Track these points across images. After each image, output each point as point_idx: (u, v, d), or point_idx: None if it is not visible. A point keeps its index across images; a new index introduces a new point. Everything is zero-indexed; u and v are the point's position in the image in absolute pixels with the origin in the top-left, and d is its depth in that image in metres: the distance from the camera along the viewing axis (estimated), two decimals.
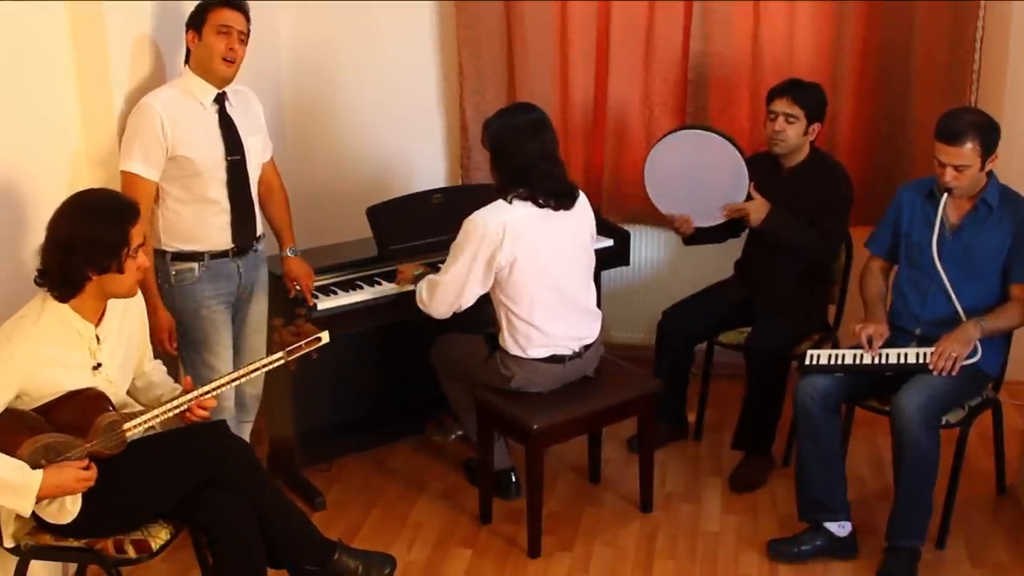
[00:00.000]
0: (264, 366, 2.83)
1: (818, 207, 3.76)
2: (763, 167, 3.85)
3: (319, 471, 3.93)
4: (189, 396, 2.75)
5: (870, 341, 3.34)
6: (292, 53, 4.59)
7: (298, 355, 2.86)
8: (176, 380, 3.01)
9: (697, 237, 3.96)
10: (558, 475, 3.92)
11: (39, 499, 2.56)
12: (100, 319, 2.73)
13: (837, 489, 3.35)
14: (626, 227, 4.22)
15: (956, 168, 3.20)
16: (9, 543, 2.73)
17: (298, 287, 3.53)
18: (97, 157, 3.24)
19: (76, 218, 2.61)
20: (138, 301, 2.87)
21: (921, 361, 3.24)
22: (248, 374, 2.82)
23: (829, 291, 3.97)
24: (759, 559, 3.40)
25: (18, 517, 2.70)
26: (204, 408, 2.79)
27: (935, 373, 3.20)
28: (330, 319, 3.45)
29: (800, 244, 3.77)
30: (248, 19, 3.26)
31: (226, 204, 3.29)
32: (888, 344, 3.36)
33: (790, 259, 3.83)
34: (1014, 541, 3.47)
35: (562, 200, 3.34)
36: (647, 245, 4.60)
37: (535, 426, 3.32)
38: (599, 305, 3.59)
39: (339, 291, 3.63)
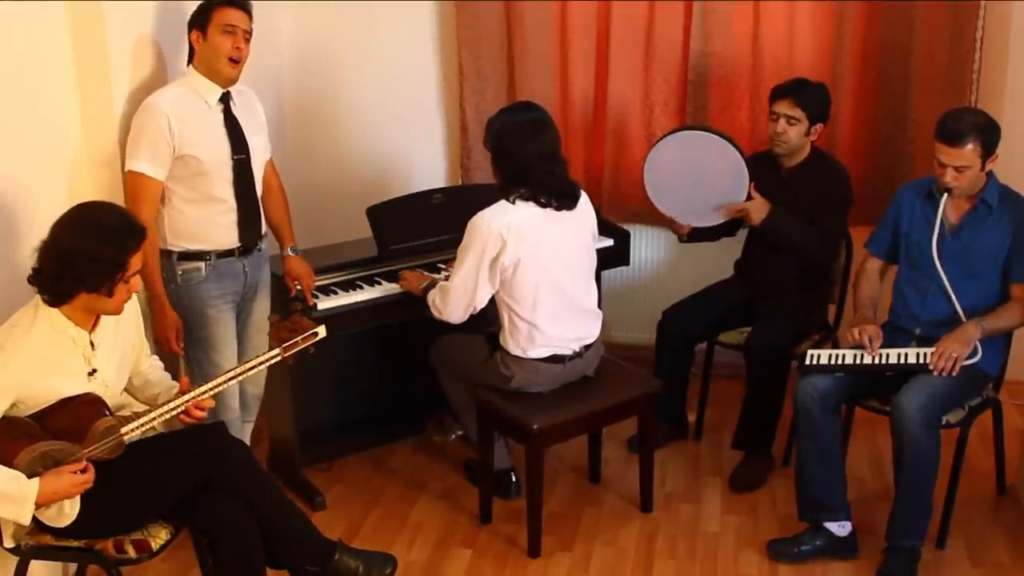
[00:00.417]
0: (261, 363, 2.83)
1: (818, 207, 3.76)
2: (763, 167, 3.85)
3: (319, 471, 3.94)
4: (186, 397, 2.74)
5: (870, 341, 3.34)
6: (293, 53, 4.59)
7: (295, 351, 2.86)
8: (175, 378, 3.01)
9: (693, 236, 3.96)
10: (558, 475, 3.92)
11: (37, 506, 2.54)
12: (94, 325, 2.72)
13: (837, 489, 3.35)
14: (626, 227, 4.22)
15: (956, 169, 3.20)
16: (9, 543, 2.73)
17: (299, 286, 3.53)
18: (97, 158, 3.23)
19: (82, 230, 2.58)
20: (132, 303, 2.86)
21: (921, 361, 3.24)
22: (245, 371, 2.82)
23: (829, 291, 3.97)
24: (759, 559, 3.40)
25: None
26: (201, 408, 2.78)
27: (935, 373, 3.20)
28: (330, 319, 3.44)
29: (801, 243, 3.77)
30: (251, 17, 3.26)
31: (232, 203, 3.30)
32: (888, 344, 3.36)
33: (790, 259, 3.83)
34: (1014, 541, 3.47)
35: (564, 200, 3.34)
36: (647, 245, 4.60)
37: (535, 426, 3.32)
38: (600, 305, 3.59)
39: (339, 291, 3.63)
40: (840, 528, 3.35)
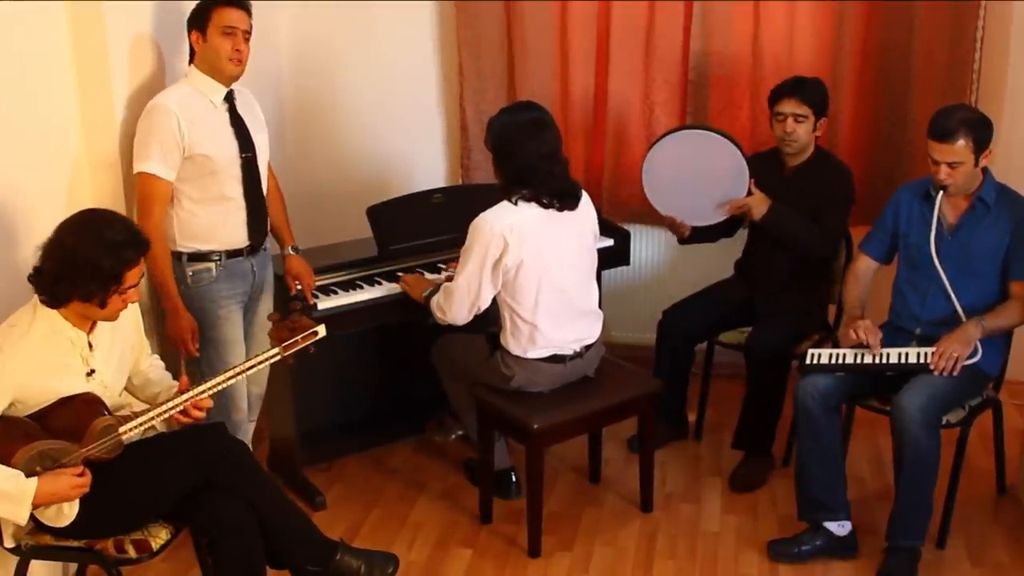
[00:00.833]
0: (261, 362, 2.82)
1: (821, 205, 3.76)
2: (767, 166, 3.85)
3: (319, 471, 3.93)
4: (184, 396, 2.74)
5: (871, 335, 3.33)
6: (292, 53, 4.59)
7: (295, 350, 2.86)
8: (176, 377, 3.01)
9: (693, 237, 3.96)
10: (558, 475, 3.92)
11: (35, 507, 2.55)
12: (92, 326, 2.72)
13: (837, 489, 3.35)
14: (626, 227, 4.22)
15: (950, 165, 3.21)
16: (9, 543, 2.73)
17: (299, 285, 3.53)
18: (97, 158, 3.23)
19: (83, 237, 2.57)
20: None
21: (922, 361, 3.24)
22: (245, 370, 2.81)
23: (829, 291, 3.97)
24: (759, 559, 3.40)
25: None
26: (200, 409, 2.77)
27: (936, 373, 3.20)
28: (330, 319, 3.44)
29: (802, 238, 3.76)
30: (250, 14, 3.25)
31: (242, 202, 3.30)
32: (889, 344, 3.36)
33: (790, 258, 3.83)
34: (1014, 541, 3.47)
35: (566, 200, 3.34)
36: (647, 245, 4.60)
37: (535, 426, 3.32)
38: (600, 305, 3.59)
39: (339, 291, 3.63)
40: (840, 528, 3.35)
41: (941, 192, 3.26)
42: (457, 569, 3.40)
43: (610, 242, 4.05)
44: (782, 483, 3.79)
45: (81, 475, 2.58)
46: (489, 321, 3.49)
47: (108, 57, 3.17)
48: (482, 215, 3.29)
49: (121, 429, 2.65)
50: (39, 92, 3.05)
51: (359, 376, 4.11)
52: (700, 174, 3.80)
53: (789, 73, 3.97)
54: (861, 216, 4.00)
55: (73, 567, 3.20)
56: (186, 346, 3.25)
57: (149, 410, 2.71)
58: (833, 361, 3.37)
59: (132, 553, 2.74)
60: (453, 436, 4.08)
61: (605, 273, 4.26)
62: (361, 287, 3.67)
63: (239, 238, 3.32)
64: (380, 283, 3.68)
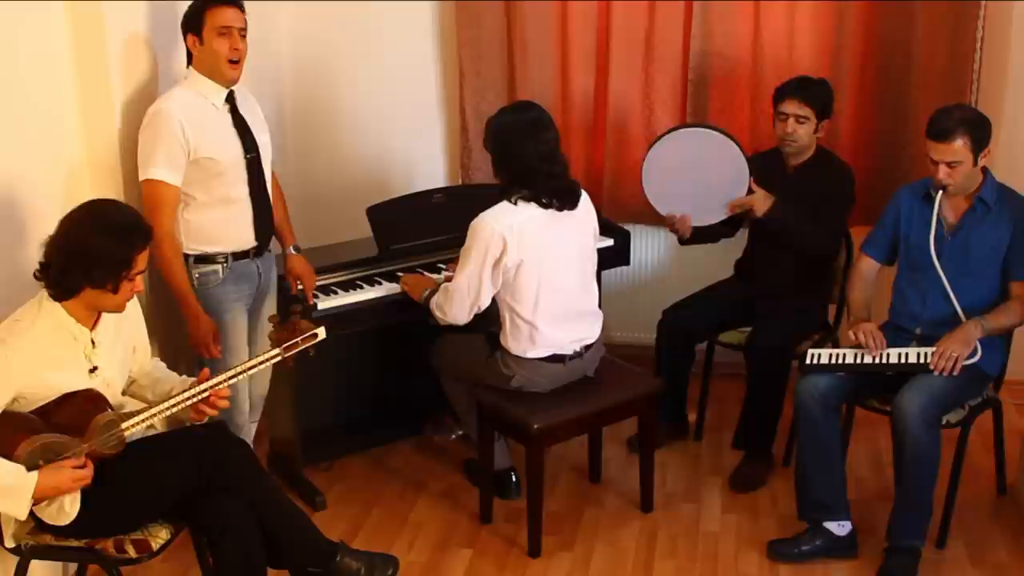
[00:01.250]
0: (261, 362, 2.83)
1: (821, 204, 3.76)
2: (768, 166, 3.85)
3: (319, 471, 3.93)
4: (189, 392, 2.74)
5: (873, 340, 3.33)
6: (292, 53, 4.59)
7: (295, 352, 2.86)
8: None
9: (693, 237, 3.96)
10: (558, 475, 3.92)
11: (36, 501, 2.55)
12: (95, 323, 2.73)
13: (837, 489, 3.35)
14: (626, 226, 4.22)
15: (948, 165, 3.22)
16: (10, 543, 2.73)
17: (300, 285, 3.53)
18: (96, 159, 3.23)
19: (92, 226, 2.59)
20: (133, 303, 2.85)
21: (922, 361, 3.24)
22: (245, 371, 2.81)
23: (829, 290, 3.97)
24: (759, 559, 3.40)
25: None
26: (223, 397, 2.78)
27: (936, 373, 3.20)
28: (330, 319, 3.45)
29: (806, 234, 3.75)
30: (243, 10, 3.24)
31: (248, 202, 3.30)
32: (889, 344, 3.36)
33: (790, 258, 3.83)
34: (1014, 541, 3.47)
35: (565, 200, 3.34)
36: (647, 245, 4.60)
37: (535, 426, 3.32)
38: (600, 305, 3.59)
39: (339, 291, 3.63)
40: (840, 528, 3.35)
41: (941, 192, 3.27)
42: (457, 569, 3.40)
43: (610, 242, 4.05)
44: (782, 483, 3.79)
45: (82, 467, 2.59)
46: (489, 321, 3.49)
47: (107, 57, 3.17)
48: (482, 215, 3.29)
49: (123, 425, 2.66)
50: (39, 92, 3.04)
51: (359, 376, 4.11)
52: (700, 173, 3.80)
53: (789, 73, 3.97)
54: (862, 216, 4.00)
55: (73, 567, 3.20)
56: (208, 349, 3.25)
57: (151, 406, 2.72)
58: (833, 361, 3.37)
59: (132, 553, 2.74)
60: (453, 436, 4.08)
61: (605, 273, 4.25)
62: (361, 287, 3.67)
63: (246, 239, 3.32)
64: (380, 283, 3.68)
